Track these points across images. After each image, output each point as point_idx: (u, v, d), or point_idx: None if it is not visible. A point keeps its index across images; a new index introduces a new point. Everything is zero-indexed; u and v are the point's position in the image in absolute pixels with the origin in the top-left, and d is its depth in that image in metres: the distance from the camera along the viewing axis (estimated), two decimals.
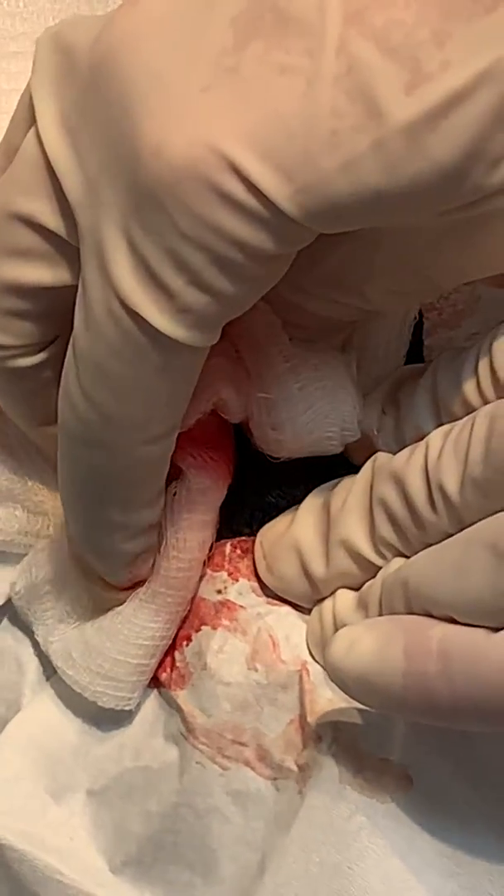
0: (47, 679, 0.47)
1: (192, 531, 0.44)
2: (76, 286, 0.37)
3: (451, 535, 0.38)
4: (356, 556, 0.42)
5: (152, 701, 0.46)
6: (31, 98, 0.37)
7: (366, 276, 0.40)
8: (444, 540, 0.39)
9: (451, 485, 0.38)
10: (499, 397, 0.40)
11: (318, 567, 0.43)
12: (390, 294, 0.41)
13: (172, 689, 0.45)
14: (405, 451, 0.41)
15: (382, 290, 0.41)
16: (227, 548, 0.46)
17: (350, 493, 0.43)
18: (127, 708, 0.44)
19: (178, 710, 0.44)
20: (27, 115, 0.38)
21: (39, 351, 0.40)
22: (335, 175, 0.33)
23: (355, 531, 0.42)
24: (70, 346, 0.38)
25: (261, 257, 0.34)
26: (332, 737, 0.42)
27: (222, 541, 0.46)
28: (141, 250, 0.34)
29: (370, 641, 0.38)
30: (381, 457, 0.42)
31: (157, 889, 0.44)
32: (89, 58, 0.36)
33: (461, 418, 0.40)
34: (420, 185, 0.33)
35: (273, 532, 0.45)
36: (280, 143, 0.33)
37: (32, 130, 0.37)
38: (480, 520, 0.37)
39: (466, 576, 0.36)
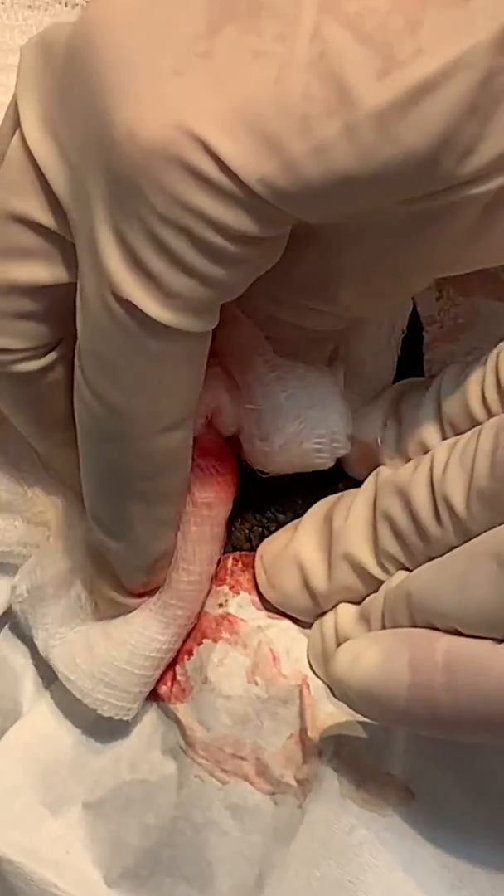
0: (45, 688, 0.46)
1: (200, 544, 0.43)
2: (75, 284, 0.37)
3: (454, 545, 0.38)
4: (359, 571, 0.42)
5: (151, 714, 0.45)
6: (16, 103, 0.37)
7: (337, 279, 0.40)
8: (445, 551, 0.39)
9: (457, 498, 0.38)
10: None
11: (319, 582, 0.43)
12: (363, 297, 0.41)
13: (172, 703, 0.44)
14: (410, 465, 0.41)
15: (354, 294, 0.41)
16: (229, 561, 0.46)
17: (353, 507, 0.43)
18: (126, 718, 0.44)
19: (178, 723, 0.44)
20: (14, 119, 0.38)
21: (44, 355, 0.40)
22: (306, 159, 0.33)
23: (359, 545, 0.42)
24: (78, 350, 0.38)
25: (241, 239, 0.34)
26: (333, 751, 0.42)
27: (224, 554, 0.46)
28: (126, 238, 0.35)
29: (374, 654, 0.38)
30: (385, 470, 0.42)
31: None
32: (65, 49, 0.36)
33: (465, 432, 0.40)
34: (391, 171, 0.33)
35: (274, 546, 0.45)
36: (252, 126, 0.33)
37: (18, 132, 0.37)
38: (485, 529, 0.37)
39: (471, 587, 0.36)
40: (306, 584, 0.43)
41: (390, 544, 0.41)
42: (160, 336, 0.36)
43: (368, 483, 0.43)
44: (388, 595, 0.40)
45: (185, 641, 0.45)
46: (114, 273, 0.35)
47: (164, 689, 0.45)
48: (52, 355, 0.40)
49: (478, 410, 0.41)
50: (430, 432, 0.43)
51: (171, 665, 0.45)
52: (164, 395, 0.38)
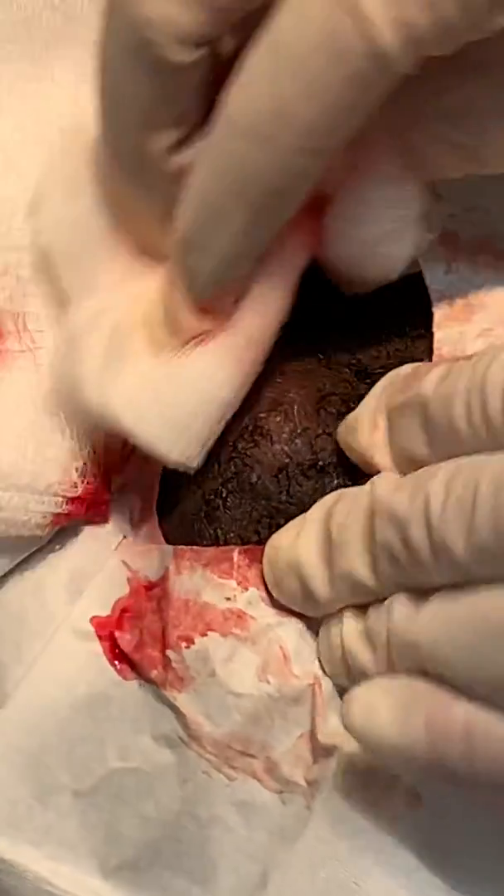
0: (24, 677, 0.45)
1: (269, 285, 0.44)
2: None
3: (456, 583, 0.38)
4: (360, 587, 0.41)
5: (134, 695, 0.45)
6: None
7: (489, 112, 0.40)
8: (448, 583, 0.38)
9: (458, 546, 0.37)
10: (491, 440, 0.39)
11: (321, 590, 0.42)
12: None
13: (167, 689, 0.44)
14: (405, 492, 0.40)
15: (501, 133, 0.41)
16: (235, 555, 0.45)
17: (351, 518, 0.41)
18: (193, 465, 0.44)
19: (176, 711, 0.44)
20: None
21: (201, 46, 0.39)
22: None
23: (358, 566, 0.41)
24: (266, 40, 0.38)
25: None
26: (342, 752, 0.42)
27: (229, 547, 0.45)
28: None
29: (389, 710, 0.38)
30: (380, 487, 0.41)
31: (151, 895, 0.44)
32: None
33: (454, 450, 0.39)
34: None
35: (278, 546, 0.44)
36: None
37: None
38: (490, 577, 0.37)
39: (486, 663, 0.36)
40: (308, 592, 0.43)
41: (389, 569, 0.40)
42: (373, 59, 0.37)
43: (364, 496, 0.41)
44: (394, 635, 0.40)
45: (179, 627, 0.44)
46: None
47: (154, 673, 0.44)
48: (203, 52, 0.40)
49: (463, 429, 0.40)
50: (418, 443, 0.41)
51: (160, 648, 0.44)
52: (335, 115, 0.38)
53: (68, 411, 0.46)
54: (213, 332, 0.44)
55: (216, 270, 0.42)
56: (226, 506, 0.46)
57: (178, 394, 0.44)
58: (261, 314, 0.45)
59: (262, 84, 0.38)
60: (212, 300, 0.43)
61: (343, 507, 0.42)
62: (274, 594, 0.44)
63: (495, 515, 0.36)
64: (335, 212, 0.44)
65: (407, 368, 0.43)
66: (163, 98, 0.41)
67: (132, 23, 0.39)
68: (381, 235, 0.45)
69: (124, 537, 0.47)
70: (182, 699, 0.44)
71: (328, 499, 0.44)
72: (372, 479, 0.42)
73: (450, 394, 0.40)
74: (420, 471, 0.40)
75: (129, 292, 0.46)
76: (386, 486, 0.41)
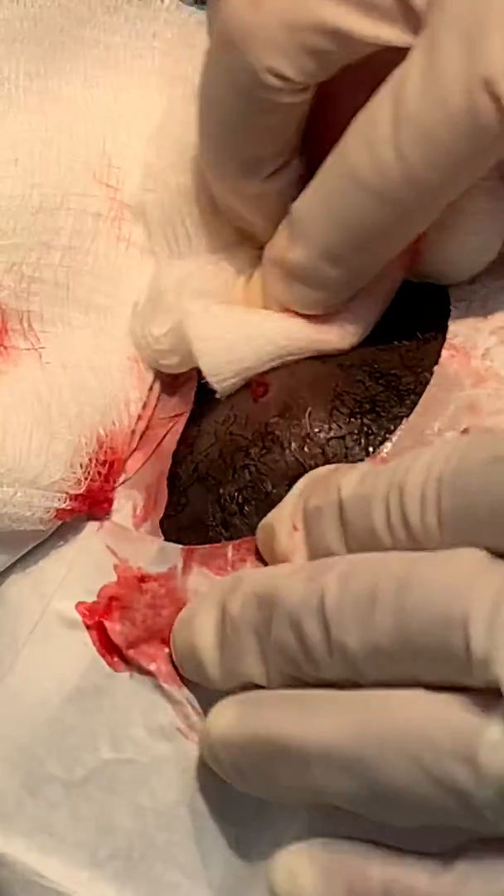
0: (9, 670, 0.46)
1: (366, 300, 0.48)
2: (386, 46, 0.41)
3: (348, 678, 0.38)
4: (251, 682, 0.41)
5: (123, 686, 0.45)
6: None
7: None
8: (339, 680, 0.38)
9: (354, 645, 0.37)
10: (410, 540, 0.39)
11: (216, 676, 0.42)
12: None
13: (168, 683, 0.44)
14: (299, 586, 0.39)
15: None
16: (229, 550, 0.45)
17: (242, 611, 0.41)
18: (219, 387, 0.47)
19: (177, 704, 0.44)
20: None
21: (306, 90, 0.43)
22: None
23: (250, 664, 0.41)
24: (391, 102, 0.41)
25: None
26: None
27: (222, 543, 0.45)
28: None
29: (311, 879, 0.38)
30: (275, 574, 0.41)
31: (140, 886, 0.43)
32: None
33: (369, 549, 0.40)
34: None
35: (178, 626, 0.44)
36: None
37: None
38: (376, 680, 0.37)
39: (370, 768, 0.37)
40: (205, 676, 0.43)
41: (282, 665, 0.40)
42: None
43: (259, 579, 0.41)
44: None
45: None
46: (495, 62, 0.38)
47: (154, 667, 0.44)
48: (308, 94, 0.43)
49: (380, 529, 0.39)
50: (335, 544, 0.41)
51: (161, 641, 0.44)
52: (458, 182, 0.42)
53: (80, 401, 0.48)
54: None
55: (323, 298, 0.46)
56: (242, 513, 0.46)
57: (242, 322, 0.47)
58: (352, 321, 0.47)
59: (389, 150, 0.41)
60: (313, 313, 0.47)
61: (237, 597, 0.41)
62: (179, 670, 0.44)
63: (398, 624, 0.36)
64: (433, 223, 0.45)
65: (324, 470, 0.43)
66: (267, 131, 0.45)
67: (250, 69, 0.42)
68: (476, 243, 0.47)
69: (106, 520, 0.47)
70: (181, 694, 0.44)
71: (226, 581, 0.43)
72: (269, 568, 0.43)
73: (369, 494, 0.40)
74: (317, 561, 0.41)
75: (219, 268, 0.50)
76: (278, 572, 0.41)
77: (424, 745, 0.35)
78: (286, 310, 0.47)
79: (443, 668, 0.36)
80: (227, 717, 0.41)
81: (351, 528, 0.40)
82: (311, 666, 0.39)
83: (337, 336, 0.47)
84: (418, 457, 0.39)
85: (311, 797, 0.39)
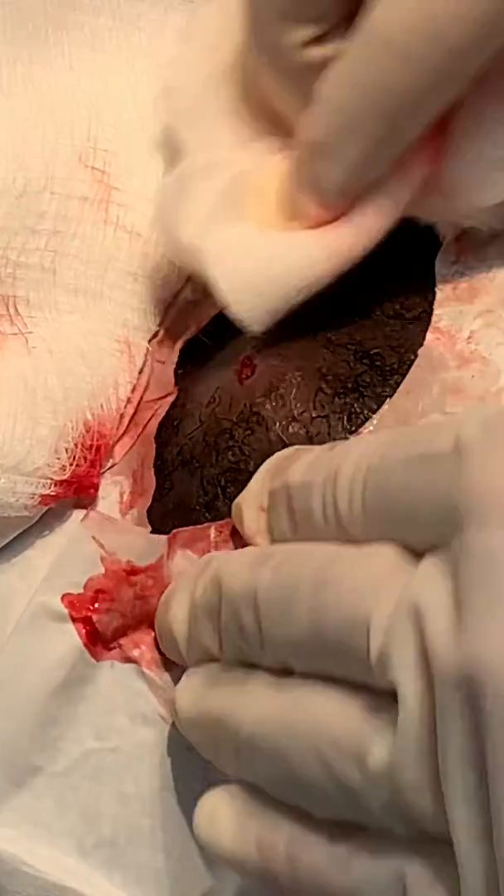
0: None
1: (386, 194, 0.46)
2: None
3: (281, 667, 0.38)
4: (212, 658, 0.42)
5: (106, 676, 0.45)
6: None
7: None
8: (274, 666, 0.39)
9: (279, 640, 0.38)
10: (340, 529, 0.39)
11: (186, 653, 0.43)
12: None
13: (151, 669, 0.44)
14: (243, 575, 0.39)
15: None
16: (212, 532, 0.45)
17: (205, 597, 0.41)
18: (253, 328, 0.46)
19: (158, 690, 0.44)
20: None
21: None
22: None
23: (209, 643, 0.41)
24: None
25: None
26: None
27: (205, 524, 0.45)
28: None
29: (229, 822, 0.39)
30: (230, 569, 0.41)
31: (128, 872, 0.43)
32: None
33: (313, 537, 0.40)
34: None
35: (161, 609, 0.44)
36: None
37: None
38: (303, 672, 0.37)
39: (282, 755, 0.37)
40: (179, 654, 0.43)
41: (229, 648, 0.40)
42: None
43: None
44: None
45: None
46: None
47: (137, 652, 0.44)
48: None
49: (318, 519, 0.39)
50: (287, 529, 0.41)
51: (147, 627, 0.45)
52: (488, 37, 0.41)
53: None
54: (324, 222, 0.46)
55: (343, 178, 0.45)
56: (225, 495, 0.46)
57: (269, 259, 0.46)
58: (373, 218, 0.46)
59: (412, 2, 0.40)
60: (334, 201, 0.45)
61: (202, 579, 0.42)
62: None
63: (312, 617, 0.36)
64: (457, 128, 0.45)
65: (289, 451, 0.43)
66: None
67: None
68: (498, 159, 0.45)
69: (90, 510, 0.47)
70: (165, 678, 0.44)
71: (201, 562, 0.43)
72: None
73: (310, 482, 0.40)
74: (262, 549, 0.41)
75: (249, 156, 0.48)
76: (237, 558, 0.41)
77: (328, 742, 0.35)
78: (304, 227, 0.46)
79: (351, 667, 0.36)
80: (187, 692, 0.41)
81: (297, 514, 0.40)
82: (250, 652, 0.39)
83: (354, 238, 0.46)
84: (354, 447, 0.39)
85: (247, 778, 0.39)
